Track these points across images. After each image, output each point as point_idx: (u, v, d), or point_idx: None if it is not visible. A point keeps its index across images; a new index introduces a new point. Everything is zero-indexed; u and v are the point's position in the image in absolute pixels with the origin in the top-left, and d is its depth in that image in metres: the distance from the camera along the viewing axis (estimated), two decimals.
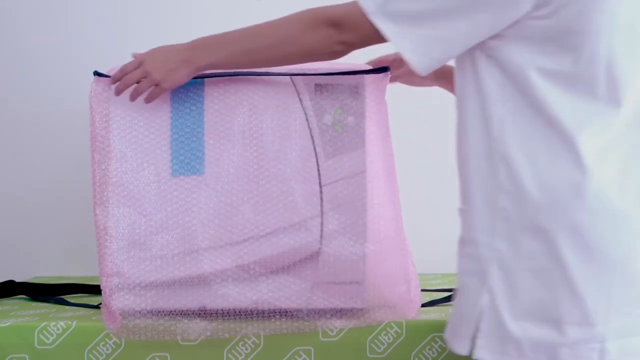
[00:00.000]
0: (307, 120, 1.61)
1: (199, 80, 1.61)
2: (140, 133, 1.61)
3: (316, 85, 1.62)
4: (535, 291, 1.23)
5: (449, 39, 1.26)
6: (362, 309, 1.64)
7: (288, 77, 1.61)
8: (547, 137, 1.24)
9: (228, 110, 1.61)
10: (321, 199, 1.60)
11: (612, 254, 1.22)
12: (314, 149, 1.61)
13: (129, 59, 1.60)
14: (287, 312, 1.63)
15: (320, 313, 1.63)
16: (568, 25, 1.21)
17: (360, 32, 1.34)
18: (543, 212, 1.23)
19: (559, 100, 1.23)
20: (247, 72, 1.61)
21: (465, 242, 1.32)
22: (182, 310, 1.64)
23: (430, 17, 1.26)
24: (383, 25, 1.29)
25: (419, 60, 1.28)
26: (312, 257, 1.60)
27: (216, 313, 1.62)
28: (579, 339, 1.22)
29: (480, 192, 1.28)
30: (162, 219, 1.60)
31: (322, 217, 1.60)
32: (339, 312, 1.63)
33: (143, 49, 1.61)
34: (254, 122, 1.61)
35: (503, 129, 1.26)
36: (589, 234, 1.21)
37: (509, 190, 1.25)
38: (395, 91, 2.28)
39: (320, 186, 1.60)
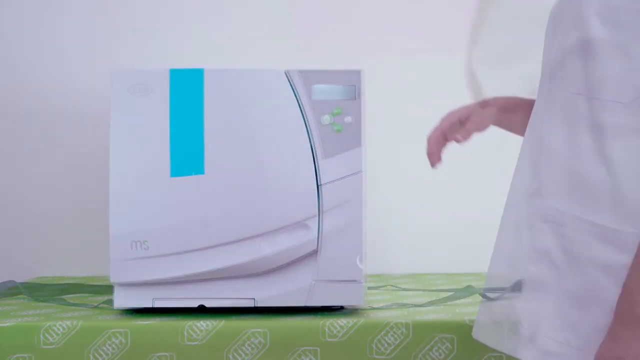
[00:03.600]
0: (305, 120, 1.62)
1: (198, 82, 1.61)
2: (140, 132, 1.62)
3: (315, 85, 1.62)
4: None
5: None
6: (361, 308, 1.65)
7: (286, 77, 1.62)
8: None
9: (227, 112, 1.61)
10: (319, 198, 1.60)
11: None
12: (312, 148, 1.61)
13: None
14: (287, 310, 1.63)
15: (321, 312, 1.63)
16: None
17: None
18: None
19: None
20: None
21: None
22: (183, 310, 1.64)
23: None
24: None
25: None
26: (311, 256, 1.61)
27: (217, 312, 1.62)
28: None
29: None
30: (162, 218, 1.60)
31: (320, 216, 1.60)
32: (340, 311, 1.64)
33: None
34: (252, 123, 1.61)
35: None
36: None
37: None
38: (394, 91, 2.30)
39: (319, 185, 1.61)
